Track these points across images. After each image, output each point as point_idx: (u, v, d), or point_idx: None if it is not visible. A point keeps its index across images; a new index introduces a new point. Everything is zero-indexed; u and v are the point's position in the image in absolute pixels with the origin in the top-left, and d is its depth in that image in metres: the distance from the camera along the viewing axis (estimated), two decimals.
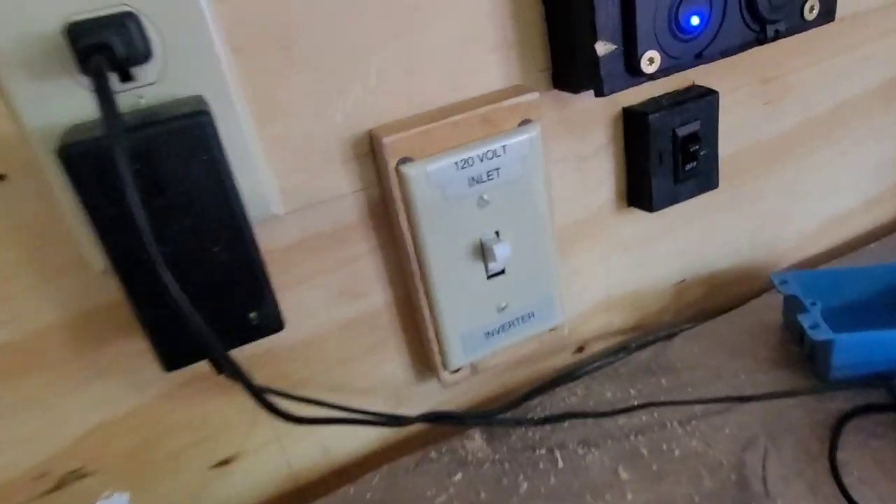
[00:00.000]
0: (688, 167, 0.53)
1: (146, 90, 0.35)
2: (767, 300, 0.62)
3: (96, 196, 0.31)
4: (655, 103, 0.51)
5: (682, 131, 0.51)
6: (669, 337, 0.59)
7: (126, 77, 0.35)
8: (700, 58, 0.45)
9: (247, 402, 0.40)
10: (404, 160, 0.43)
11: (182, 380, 0.45)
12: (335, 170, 0.44)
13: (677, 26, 0.43)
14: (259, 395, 0.37)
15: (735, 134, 0.58)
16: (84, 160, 0.30)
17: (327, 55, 0.41)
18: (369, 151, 0.44)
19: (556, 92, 0.49)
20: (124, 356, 0.43)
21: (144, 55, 0.33)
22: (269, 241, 0.44)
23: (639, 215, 0.57)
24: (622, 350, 0.57)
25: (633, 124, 0.51)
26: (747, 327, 0.59)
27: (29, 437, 0.42)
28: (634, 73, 0.43)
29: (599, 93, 0.43)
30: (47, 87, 0.33)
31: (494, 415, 0.52)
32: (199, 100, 0.34)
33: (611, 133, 0.52)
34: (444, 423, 0.50)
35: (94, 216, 0.31)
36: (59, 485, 0.45)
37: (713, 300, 0.66)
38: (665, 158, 0.52)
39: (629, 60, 0.43)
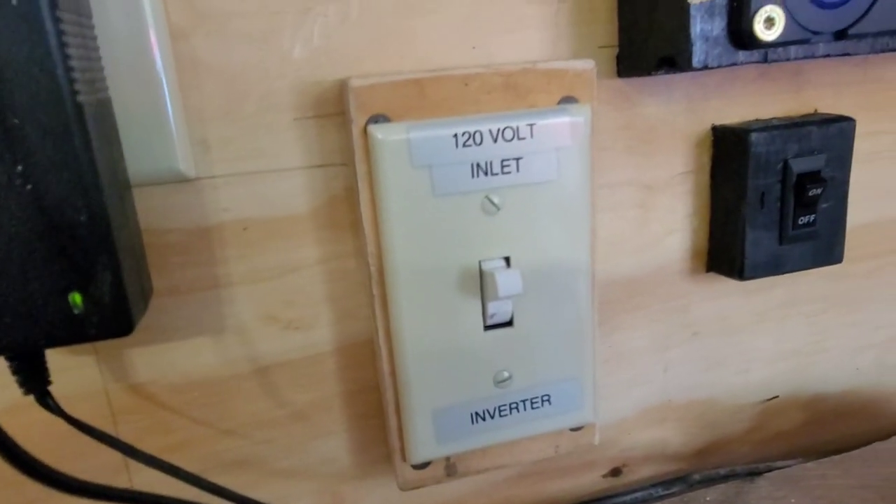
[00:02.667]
0: (802, 220, 0.36)
1: None
2: None
3: None
4: (761, 124, 0.36)
5: (800, 165, 0.35)
6: (751, 476, 0.40)
7: None
8: (843, 37, 0.30)
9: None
10: (377, 118, 0.28)
11: None
12: (282, 129, 0.30)
13: None
14: None
15: (868, 196, 0.41)
16: None
17: None
18: (337, 112, 0.31)
19: (620, 84, 0.34)
20: None
21: None
22: (167, 214, 0.30)
23: (721, 287, 0.40)
24: (678, 482, 0.38)
25: (727, 148, 0.36)
26: (869, 479, 0.40)
27: None
28: (742, 42, 0.29)
29: (686, 64, 0.29)
30: None
31: None
32: None
33: (693, 160, 0.37)
34: None
35: None
36: None
37: (816, 434, 0.46)
38: (769, 202, 0.36)
39: (736, 19, 0.28)
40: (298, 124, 0.30)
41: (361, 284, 0.33)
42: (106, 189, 0.23)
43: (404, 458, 0.34)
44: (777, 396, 0.44)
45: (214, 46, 0.28)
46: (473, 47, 0.32)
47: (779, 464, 0.41)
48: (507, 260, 0.31)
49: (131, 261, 0.25)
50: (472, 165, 0.29)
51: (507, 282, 0.30)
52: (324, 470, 0.36)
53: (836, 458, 0.42)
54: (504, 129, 0.29)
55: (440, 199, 0.29)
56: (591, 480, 0.42)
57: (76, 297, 0.23)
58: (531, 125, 0.29)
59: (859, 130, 0.39)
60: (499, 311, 0.32)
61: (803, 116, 0.37)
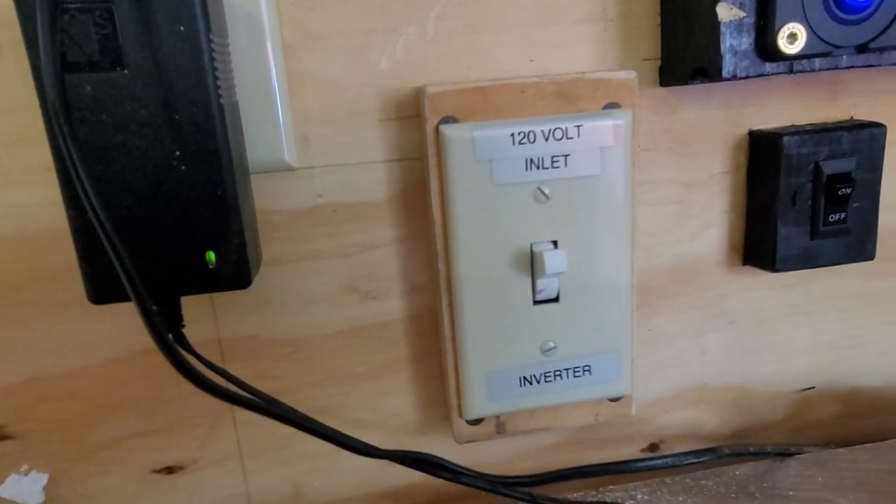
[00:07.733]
0: (832, 217, 0.39)
1: None
2: None
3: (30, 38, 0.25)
4: (795, 129, 0.40)
5: (830, 167, 0.39)
6: (782, 456, 0.43)
7: None
8: (865, 51, 0.33)
9: (213, 400, 0.31)
10: (447, 119, 0.34)
11: (142, 346, 0.37)
12: (368, 128, 0.36)
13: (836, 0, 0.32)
14: (174, 352, 0.28)
15: None
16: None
17: None
18: (414, 114, 0.36)
19: (662, 93, 0.39)
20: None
21: None
22: (273, 197, 0.36)
23: (756, 280, 0.43)
24: (708, 452, 0.41)
25: (762, 150, 0.40)
26: None
27: None
28: (768, 55, 0.33)
29: (717, 74, 0.33)
30: None
31: (506, 483, 0.38)
32: None
33: (730, 161, 0.41)
34: (426, 470, 0.37)
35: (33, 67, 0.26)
36: None
37: (852, 426, 0.48)
38: (800, 200, 0.39)
39: (762, 35, 0.32)
40: (381, 125, 0.36)
41: (429, 262, 0.39)
42: (237, 172, 0.29)
43: (461, 415, 0.39)
44: (813, 387, 0.47)
45: (317, 60, 0.35)
46: (531, 60, 0.37)
47: (810, 448, 0.43)
48: (555, 243, 0.36)
49: (250, 231, 0.32)
50: (526, 160, 0.34)
51: (553, 261, 0.34)
52: (391, 423, 0.42)
53: (869, 445, 0.44)
54: (554, 129, 0.34)
55: (498, 188, 0.35)
56: (630, 453, 0.46)
57: (210, 255, 0.29)
58: (578, 126, 0.34)
59: (894, 137, 0.42)
60: (546, 287, 0.37)
61: (837, 123, 0.41)
